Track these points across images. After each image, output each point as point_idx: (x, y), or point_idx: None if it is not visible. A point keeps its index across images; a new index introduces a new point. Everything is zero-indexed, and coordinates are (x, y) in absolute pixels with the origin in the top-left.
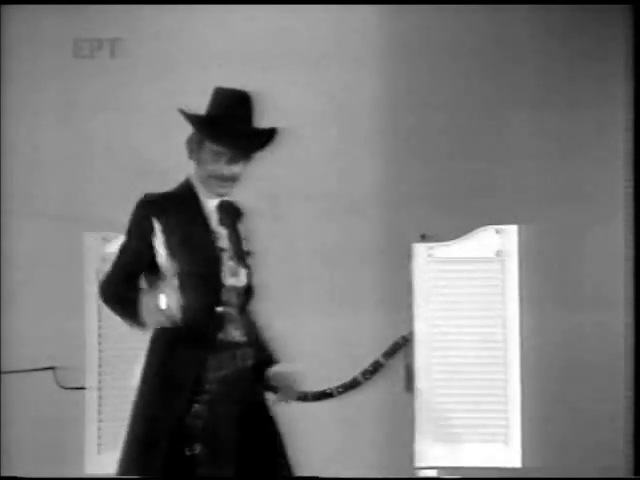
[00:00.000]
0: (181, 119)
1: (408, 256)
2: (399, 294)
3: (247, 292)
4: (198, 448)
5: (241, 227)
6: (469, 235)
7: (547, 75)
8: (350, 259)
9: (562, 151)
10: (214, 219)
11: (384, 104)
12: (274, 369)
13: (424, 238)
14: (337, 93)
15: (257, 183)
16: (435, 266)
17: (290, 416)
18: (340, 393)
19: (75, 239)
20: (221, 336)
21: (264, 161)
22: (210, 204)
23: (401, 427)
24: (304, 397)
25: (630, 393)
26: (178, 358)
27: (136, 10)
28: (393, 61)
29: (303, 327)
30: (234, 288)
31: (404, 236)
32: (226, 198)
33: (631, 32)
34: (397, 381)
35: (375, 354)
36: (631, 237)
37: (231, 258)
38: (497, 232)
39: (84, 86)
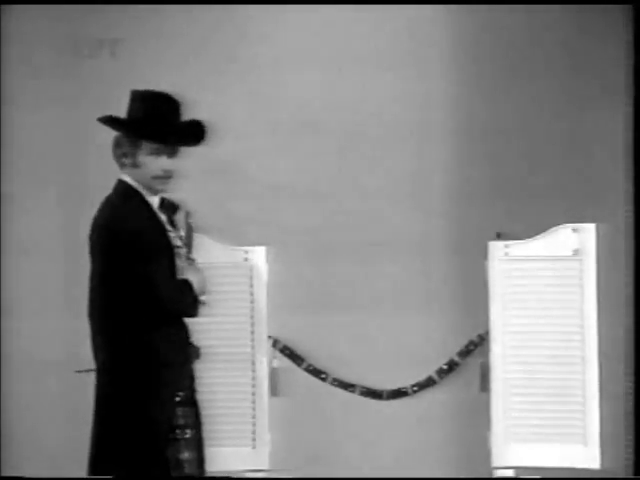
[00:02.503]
0: None
1: (484, 254)
2: (475, 292)
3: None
4: (188, 432)
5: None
6: (546, 233)
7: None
8: (426, 257)
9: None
10: (162, 218)
11: (461, 103)
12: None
13: (500, 236)
14: (411, 94)
15: (339, 184)
16: (511, 265)
17: (365, 414)
18: (415, 392)
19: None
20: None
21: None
22: (154, 203)
23: (477, 426)
24: (380, 395)
25: None
26: (165, 359)
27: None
28: (466, 61)
29: (379, 325)
30: None
31: (480, 234)
32: (165, 195)
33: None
34: (473, 380)
35: (451, 353)
36: None
37: (181, 256)
38: (574, 230)
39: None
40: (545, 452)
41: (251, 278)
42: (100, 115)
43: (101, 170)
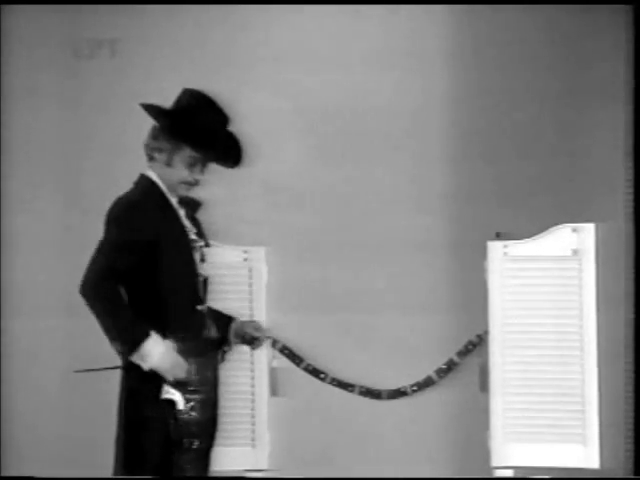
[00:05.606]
0: None
1: (483, 254)
2: (474, 292)
3: (205, 284)
4: (196, 442)
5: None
6: (545, 233)
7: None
8: (425, 257)
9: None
10: (181, 214)
11: (461, 103)
12: (235, 324)
13: (499, 236)
14: (411, 94)
15: (339, 184)
16: (510, 264)
17: (364, 414)
18: (414, 392)
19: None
20: (205, 334)
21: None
22: (173, 199)
23: (476, 426)
24: (379, 395)
25: None
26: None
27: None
28: (466, 61)
29: (378, 325)
30: (201, 281)
31: (479, 234)
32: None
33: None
34: (472, 380)
35: (450, 353)
36: None
37: (198, 251)
38: (574, 230)
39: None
40: (544, 452)
41: (250, 278)
42: (99, 115)
43: (101, 170)
